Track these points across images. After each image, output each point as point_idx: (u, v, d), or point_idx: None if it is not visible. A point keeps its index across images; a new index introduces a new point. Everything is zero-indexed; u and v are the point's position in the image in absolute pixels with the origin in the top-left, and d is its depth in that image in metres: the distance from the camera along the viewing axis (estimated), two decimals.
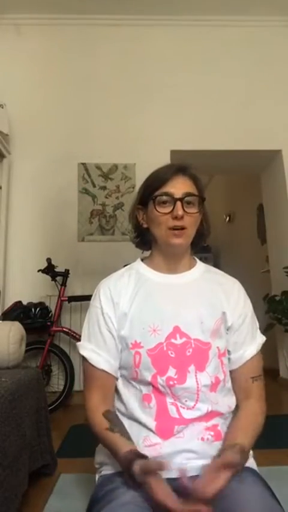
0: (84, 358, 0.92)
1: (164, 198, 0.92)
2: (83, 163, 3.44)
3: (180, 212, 0.89)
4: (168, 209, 0.91)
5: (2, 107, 3.21)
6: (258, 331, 1.00)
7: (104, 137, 3.46)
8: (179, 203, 0.90)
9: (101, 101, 3.54)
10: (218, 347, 0.90)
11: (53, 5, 3.49)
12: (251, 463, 0.89)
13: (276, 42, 3.74)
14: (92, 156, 3.44)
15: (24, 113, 3.43)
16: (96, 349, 0.91)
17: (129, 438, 0.83)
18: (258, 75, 3.67)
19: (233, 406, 0.93)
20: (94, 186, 3.43)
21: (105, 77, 3.60)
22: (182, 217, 0.90)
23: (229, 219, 5.67)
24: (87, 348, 0.92)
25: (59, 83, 3.56)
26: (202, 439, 0.84)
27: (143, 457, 0.76)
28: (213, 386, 0.88)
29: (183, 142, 3.44)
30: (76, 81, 3.58)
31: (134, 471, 0.72)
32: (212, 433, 0.85)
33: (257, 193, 4.32)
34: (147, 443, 0.84)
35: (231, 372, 0.95)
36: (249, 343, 0.95)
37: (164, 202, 0.92)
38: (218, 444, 0.85)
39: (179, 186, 0.92)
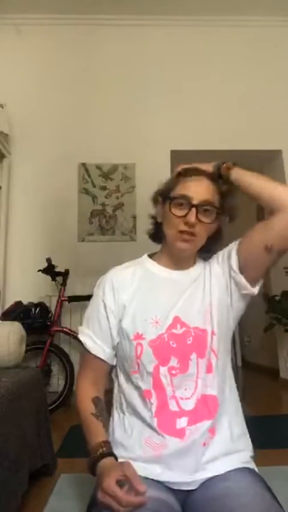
0: (81, 342, 0.97)
1: (181, 200, 0.91)
2: (83, 163, 3.44)
3: (192, 219, 0.88)
4: (182, 212, 0.90)
5: (2, 107, 3.21)
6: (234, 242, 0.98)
7: (104, 137, 3.46)
8: (193, 210, 0.89)
9: (101, 101, 3.54)
10: (211, 331, 0.91)
11: (53, 5, 3.49)
12: (250, 463, 0.89)
13: (276, 42, 3.74)
14: (92, 156, 3.44)
15: (24, 113, 3.43)
16: (92, 336, 0.95)
17: (107, 430, 0.90)
18: (259, 75, 3.66)
19: (225, 388, 0.92)
20: (94, 186, 3.43)
21: (105, 77, 3.60)
22: (193, 225, 0.89)
23: (229, 219, 5.68)
24: (84, 333, 0.97)
25: (59, 83, 3.56)
26: (204, 444, 0.84)
27: (113, 454, 0.82)
28: (208, 368, 0.89)
29: (183, 142, 3.44)
30: (76, 81, 3.58)
31: (98, 466, 0.78)
32: (211, 434, 0.85)
33: None
34: (149, 443, 0.84)
35: (242, 252, 0.93)
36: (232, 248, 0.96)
37: (181, 204, 0.91)
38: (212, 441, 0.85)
39: (198, 191, 0.91)
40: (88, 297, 1.02)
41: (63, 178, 3.39)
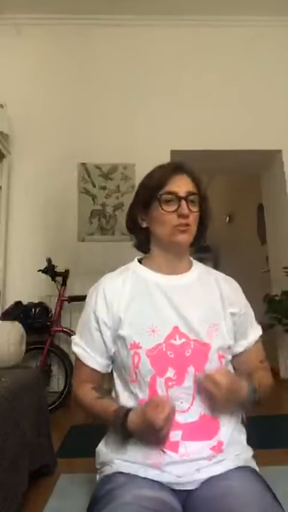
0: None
1: (169, 197, 0.94)
2: (83, 163, 3.44)
3: (186, 211, 0.92)
4: (173, 207, 0.93)
5: (2, 107, 3.21)
6: (255, 320, 1.05)
7: (104, 137, 3.46)
8: (184, 202, 0.92)
9: (101, 100, 3.54)
10: (217, 348, 0.89)
11: (53, 5, 3.49)
12: (251, 462, 0.89)
13: (276, 42, 3.73)
14: (92, 156, 3.44)
15: (24, 113, 3.43)
16: (85, 347, 0.95)
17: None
18: (258, 75, 3.66)
19: (234, 413, 0.92)
20: (94, 186, 3.43)
21: (105, 77, 3.60)
22: (188, 216, 0.92)
23: (229, 219, 5.67)
24: (77, 344, 0.97)
25: (59, 83, 3.56)
26: (209, 458, 0.83)
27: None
28: None
29: (183, 143, 3.44)
30: (76, 81, 3.58)
31: (130, 417, 0.81)
32: (214, 452, 0.84)
33: (257, 193, 4.31)
34: (149, 447, 0.84)
35: (237, 358, 0.99)
36: (250, 329, 1.01)
37: (169, 201, 0.93)
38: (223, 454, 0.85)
39: (181, 185, 0.94)
40: None
41: (63, 178, 3.39)
